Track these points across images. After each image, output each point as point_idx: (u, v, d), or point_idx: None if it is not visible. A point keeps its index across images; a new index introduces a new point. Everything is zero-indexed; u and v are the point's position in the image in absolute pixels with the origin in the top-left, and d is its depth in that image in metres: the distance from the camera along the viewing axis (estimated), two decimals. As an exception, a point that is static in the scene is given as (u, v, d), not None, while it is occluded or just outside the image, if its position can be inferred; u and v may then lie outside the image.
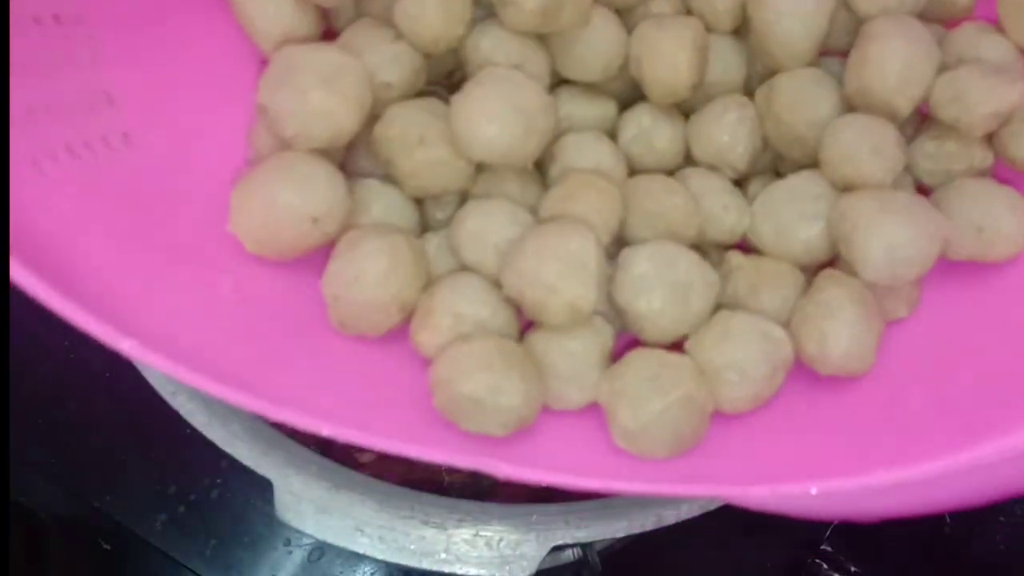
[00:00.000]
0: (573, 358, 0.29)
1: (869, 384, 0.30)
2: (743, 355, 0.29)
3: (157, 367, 0.24)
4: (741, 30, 0.35)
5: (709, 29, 0.34)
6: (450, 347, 0.28)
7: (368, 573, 0.54)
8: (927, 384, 0.30)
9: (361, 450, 0.44)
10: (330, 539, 0.36)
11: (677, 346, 0.30)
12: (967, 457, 0.26)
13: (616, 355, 0.30)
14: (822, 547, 0.53)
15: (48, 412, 0.56)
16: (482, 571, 0.36)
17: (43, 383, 0.56)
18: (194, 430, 0.37)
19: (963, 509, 0.28)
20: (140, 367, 0.36)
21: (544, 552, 0.36)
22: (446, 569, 0.36)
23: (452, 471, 0.43)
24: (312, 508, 0.36)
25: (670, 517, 0.36)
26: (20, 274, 0.22)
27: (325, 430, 0.25)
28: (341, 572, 0.54)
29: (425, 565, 0.36)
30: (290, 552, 0.54)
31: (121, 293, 0.26)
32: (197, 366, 0.24)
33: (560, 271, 0.27)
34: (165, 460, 0.55)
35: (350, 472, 0.38)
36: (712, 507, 0.36)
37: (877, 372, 0.30)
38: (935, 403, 0.29)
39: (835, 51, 0.35)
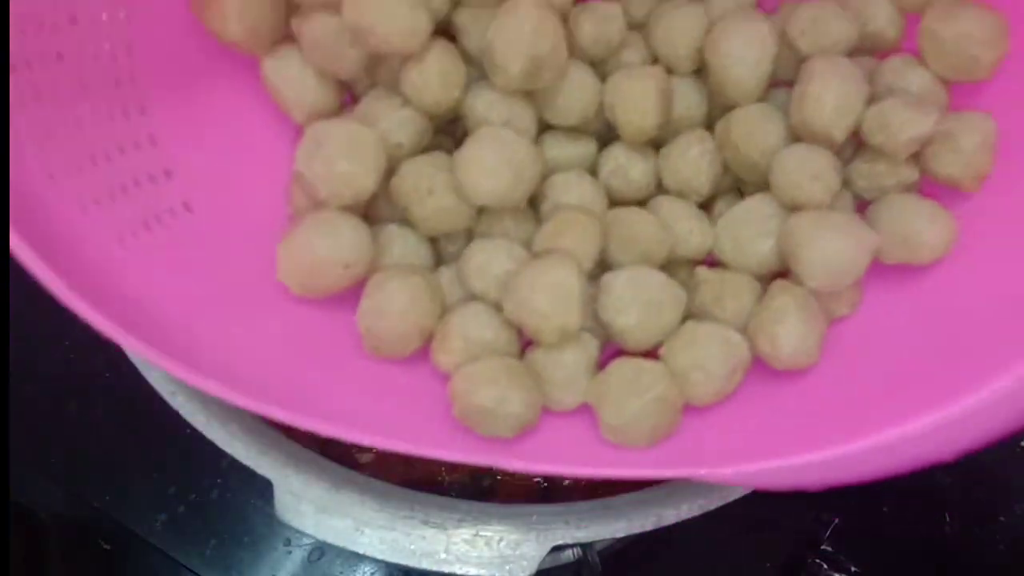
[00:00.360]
0: (566, 369, 0.35)
1: (816, 374, 0.36)
2: (706, 358, 0.34)
3: (231, 400, 0.30)
4: (701, 70, 0.40)
5: (673, 72, 0.40)
6: (463, 366, 0.34)
7: (368, 573, 0.53)
8: (866, 370, 0.36)
9: (361, 450, 0.45)
10: (330, 539, 0.36)
11: (653, 352, 0.36)
12: (897, 432, 0.32)
13: (604, 361, 0.36)
14: (822, 547, 0.54)
15: (48, 412, 0.56)
16: (482, 571, 0.36)
17: (43, 383, 0.56)
18: (194, 430, 0.37)
19: (901, 474, 0.34)
20: (141, 367, 0.37)
21: (544, 552, 0.36)
22: (446, 569, 0.36)
23: (452, 471, 0.45)
24: (312, 508, 0.37)
25: (670, 517, 0.37)
26: (122, 336, 0.29)
27: (367, 440, 0.31)
28: (341, 572, 0.53)
29: (425, 565, 0.36)
30: (290, 552, 0.54)
31: (195, 338, 0.33)
32: (261, 395, 0.31)
33: (550, 300, 0.33)
34: (165, 460, 0.55)
35: (350, 472, 0.39)
36: (712, 507, 0.37)
37: (823, 363, 0.36)
38: (873, 385, 0.35)
39: (784, 81, 0.40)
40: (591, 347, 0.36)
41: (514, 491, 0.45)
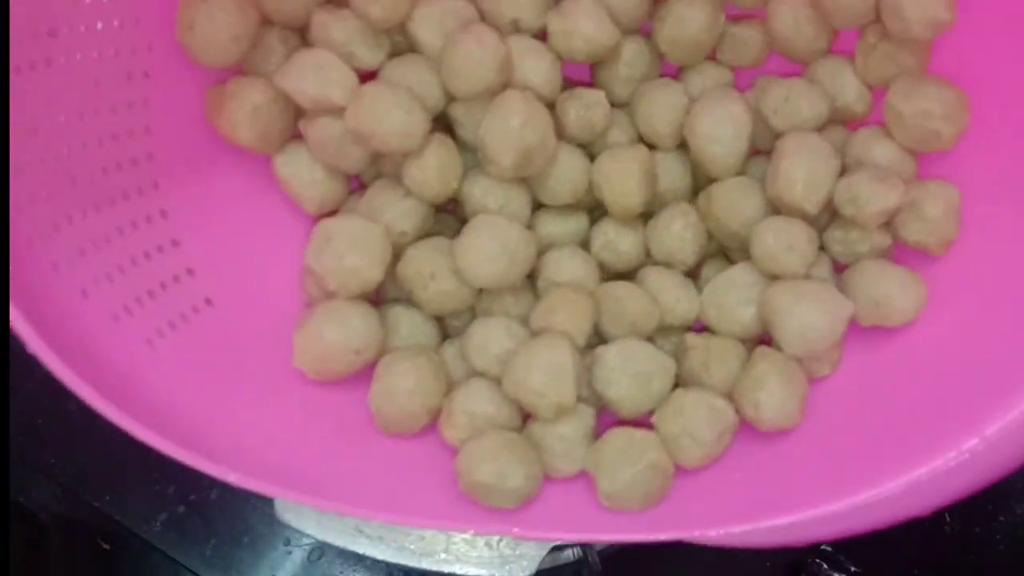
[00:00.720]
0: (564, 440, 0.37)
1: (799, 435, 0.38)
2: (694, 425, 0.37)
3: (255, 490, 0.33)
4: (685, 144, 0.43)
5: (657, 147, 0.42)
6: (467, 442, 0.37)
7: (368, 573, 0.52)
8: (845, 430, 0.38)
9: None
10: (330, 539, 0.37)
11: (647, 419, 0.38)
12: (872, 493, 0.34)
13: (604, 427, 0.38)
14: (822, 547, 0.53)
15: (48, 412, 0.55)
16: (482, 571, 0.36)
17: (43, 383, 0.53)
18: None
19: (881, 529, 0.36)
20: None
21: (544, 552, 0.37)
22: (446, 569, 0.36)
23: None
24: (312, 508, 0.36)
25: None
26: (150, 437, 0.32)
27: (380, 518, 0.34)
28: (341, 572, 0.53)
29: (425, 565, 0.36)
30: (290, 552, 0.53)
31: (218, 428, 0.36)
32: (281, 480, 0.33)
33: (545, 379, 0.36)
34: (165, 460, 0.49)
35: None
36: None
37: (806, 424, 0.38)
38: (851, 445, 0.37)
39: (764, 151, 0.43)
40: (587, 417, 0.38)
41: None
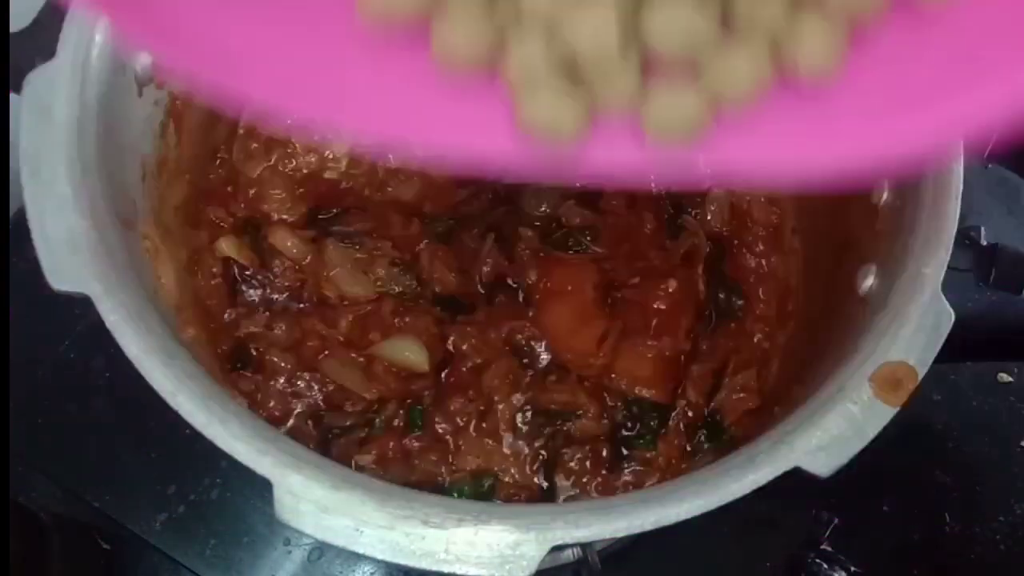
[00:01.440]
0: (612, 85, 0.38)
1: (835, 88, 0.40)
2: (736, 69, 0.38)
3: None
4: None
5: None
6: (521, 84, 0.38)
7: (368, 573, 0.55)
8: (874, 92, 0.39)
9: (360, 452, 0.48)
10: (330, 539, 0.36)
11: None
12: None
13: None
14: (822, 547, 0.55)
15: (48, 412, 0.58)
16: (482, 571, 0.36)
17: (43, 383, 0.58)
18: (194, 430, 0.37)
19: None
20: (141, 367, 0.38)
21: (544, 552, 0.36)
22: (446, 569, 0.36)
23: (452, 471, 0.45)
24: (312, 508, 0.36)
25: (670, 517, 0.37)
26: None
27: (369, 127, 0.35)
28: (341, 572, 0.55)
29: (425, 565, 0.36)
30: (290, 552, 0.55)
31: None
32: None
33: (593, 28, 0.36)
34: (165, 460, 0.57)
35: (350, 472, 0.39)
36: (712, 507, 0.37)
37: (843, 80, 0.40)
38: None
39: None
40: (634, 62, 0.39)
41: (514, 492, 0.45)
